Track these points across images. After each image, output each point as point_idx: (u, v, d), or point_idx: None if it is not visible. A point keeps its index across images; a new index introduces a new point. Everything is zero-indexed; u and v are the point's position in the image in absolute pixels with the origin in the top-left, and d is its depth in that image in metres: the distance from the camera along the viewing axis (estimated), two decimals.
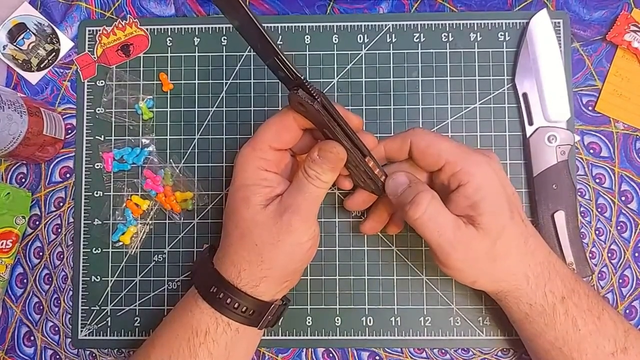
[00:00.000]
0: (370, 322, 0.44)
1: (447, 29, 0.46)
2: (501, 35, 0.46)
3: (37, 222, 0.47)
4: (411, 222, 0.35)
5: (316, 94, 0.32)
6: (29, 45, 0.47)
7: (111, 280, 0.45)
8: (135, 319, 0.45)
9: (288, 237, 0.35)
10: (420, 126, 0.45)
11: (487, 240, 0.35)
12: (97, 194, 0.46)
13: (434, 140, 0.37)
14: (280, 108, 0.46)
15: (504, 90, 0.46)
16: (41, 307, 0.46)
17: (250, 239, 0.36)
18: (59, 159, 0.47)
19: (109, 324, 0.45)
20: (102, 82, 0.47)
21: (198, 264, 0.41)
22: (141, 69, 0.47)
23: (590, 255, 0.44)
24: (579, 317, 0.36)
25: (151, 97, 0.46)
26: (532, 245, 0.36)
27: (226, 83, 0.46)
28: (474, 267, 0.36)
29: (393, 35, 0.46)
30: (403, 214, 0.36)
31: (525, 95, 0.45)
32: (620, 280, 0.44)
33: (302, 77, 0.32)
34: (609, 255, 0.45)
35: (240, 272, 0.36)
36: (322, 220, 0.45)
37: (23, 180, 0.47)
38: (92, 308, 0.45)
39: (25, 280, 0.46)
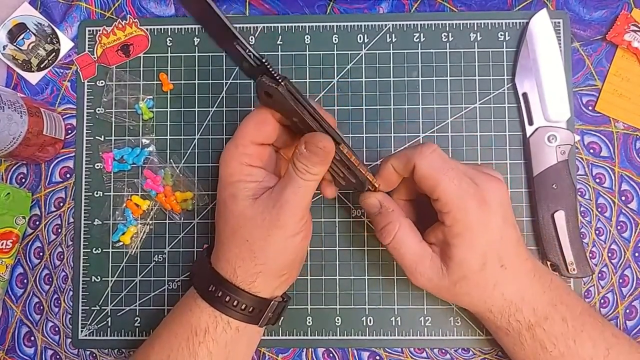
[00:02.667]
0: (370, 322, 0.44)
1: (447, 29, 0.46)
2: (501, 35, 0.46)
3: (37, 222, 0.47)
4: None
5: (280, 78, 0.32)
6: (29, 45, 0.47)
7: (111, 281, 0.45)
8: (136, 319, 0.45)
9: (277, 232, 0.35)
10: (421, 126, 0.45)
11: (446, 280, 0.36)
12: (97, 194, 0.46)
13: (434, 173, 0.35)
14: None
15: (504, 90, 0.46)
16: (41, 307, 0.46)
17: (241, 234, 0.36)
18: (59, 159, 0.47)
19: (109, 324, 0.45)
20: (102, 82, 0.47)
21: (196, 264, 0.41)
22: (141, 69, 0.47)
23: (590, 255, 0.44)
24: (548, 341, 0.36)
25: (151, 97, 0.46)
26: (502, 286, 0.36)
27: (226, 83, 0.46)
28: (434, 292, 0.38)
29: (393, 35, 0.46)
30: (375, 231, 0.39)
31: (525, 95, 0.45)
32: (620, 280, 0.44)
33: (264, 61, 0.32)
34: (609, 255, 0.45)
35: (235, 269, 0.36)
36: (322, 220, 0.45)
37: (23, 180, 0.47)
38: (92, 308, 0.45)
39: (25, 281, 0.46)
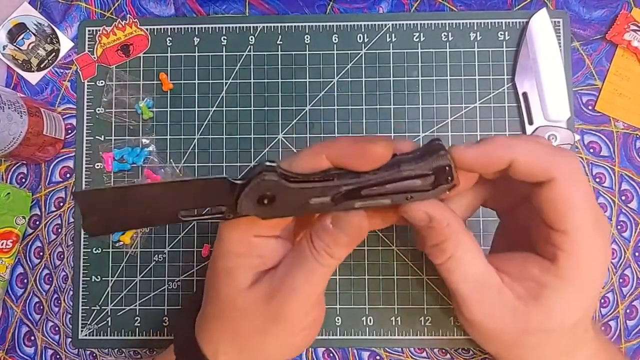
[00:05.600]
0: (370, 322, 0.44)
1: (447, 29, 0.46)
2: (501, 34, 0.46)
3: (37, 222, 0.47)
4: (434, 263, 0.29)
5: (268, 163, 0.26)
6: (28, 45, 0.47)
7: (111, 280, 0.45)
8: (136, 319, 0.45)
9: (277, 328, 0.28)
10: (421, 126, 0.45)
11: (516, 325, 0.27)
12: None
13: (573, 199, 0.25)
14: (279, 108, 0.46)
15: (504, 89, 0.46)
16: (41, 307, 0.46)
17: (229, 324, 0.29)
18: (59, 159, 0.47)
19: (109, 324, 0.45)
20: (102, 82, 0.47)
21: (179, 328, 0.34)
22: (141, 69, 0.47)
23: None
24: None
25: (151, 97, 0.46)
26: (573, 354, 0.29)
27: (226, 83, 0.46)
28: (487, 334, 0.29)
29: (393, 35, 0.46)
30: (423, 248, 0.30)
31: (525, 94, 0.45)
32: (621, 280, 0.44)
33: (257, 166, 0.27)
34: None
35: (219, 355, 0.30)
36: None
37: (23, 180, 0.47)
38: (93, 308, 0.45)
39: (25, 280, 0.46)
